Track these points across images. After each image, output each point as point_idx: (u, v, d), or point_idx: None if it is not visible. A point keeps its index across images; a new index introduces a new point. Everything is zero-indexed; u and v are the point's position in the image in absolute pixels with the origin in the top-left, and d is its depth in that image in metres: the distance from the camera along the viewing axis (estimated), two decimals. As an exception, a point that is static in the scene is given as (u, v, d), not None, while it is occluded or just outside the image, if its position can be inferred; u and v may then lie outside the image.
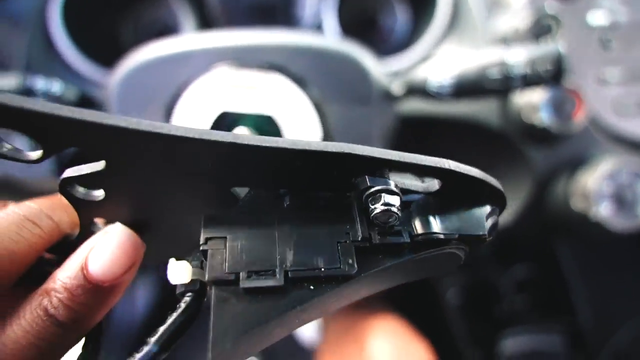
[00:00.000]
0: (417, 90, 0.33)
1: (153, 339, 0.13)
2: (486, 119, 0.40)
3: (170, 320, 0.14)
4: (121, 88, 0.33)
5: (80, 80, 0.41)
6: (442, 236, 0.14)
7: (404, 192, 0.15)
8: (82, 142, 0.13)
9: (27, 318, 0.14)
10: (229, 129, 0.32)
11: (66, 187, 0.15)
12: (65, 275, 0.15)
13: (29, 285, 0.16)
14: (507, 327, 0.61)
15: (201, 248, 0.14)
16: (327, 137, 0.33)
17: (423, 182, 0.15)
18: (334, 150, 0.13)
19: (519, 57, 0.28)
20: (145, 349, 0.13)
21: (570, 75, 0.40)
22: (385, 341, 0.45)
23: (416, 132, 0.43)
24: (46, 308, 0.14)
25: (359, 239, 0.14)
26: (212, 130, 0.13)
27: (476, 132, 0.41)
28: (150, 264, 0.17)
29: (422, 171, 0.14)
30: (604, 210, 0.37)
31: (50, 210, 0.17)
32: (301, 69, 0.33)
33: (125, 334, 0.69)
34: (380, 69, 0.36)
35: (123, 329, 0.69)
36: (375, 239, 0.14)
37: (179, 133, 0.12)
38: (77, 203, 0.15)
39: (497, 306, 0.64)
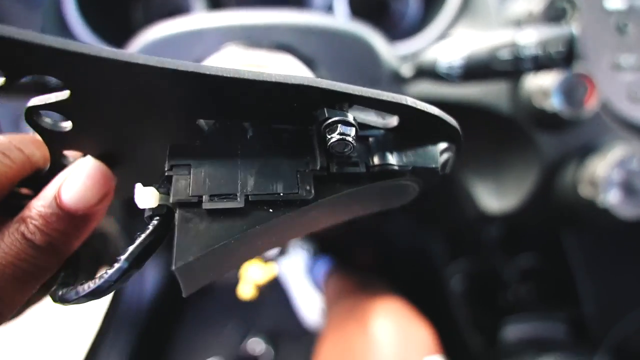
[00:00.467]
0: (427, 71, 0.32)
1: (123, 257, 0.14)
2: (496, 104, 0.40)
3: (138, 241, 0.14)
4: (133, 66, 0.34)
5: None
6: (396, 167, 0.15)
7: (364, 127, 0.15)
8: (44, 68, 0.13)
9: (6, 241, 0.15)
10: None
11: (32, 117, 0.15)
12: (40, 203, 0.16)
13: (4, 217, 0.17)
14: (510, 315, 0.61)
15: (166, 174, 0.14)
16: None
17: (384, 118, 0.15)
18: (294, 82, 0.13)
19: (530, 38, 0.28)
20: (117, 265, 0.14)
21: (583, 60, 0.39)
22: (388, 322, 0.46)
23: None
24: (23, 233, 0.15)
25: (318, 168, 0.14)
26: (175, 60, 0.13)
27: (485, 117, 0.41)
28: (124, 196, 0.18)
29: (381, 106, 0.15)
30: (611, 198, 0.37)
31: (20, 144, 0.17)
32: (311, 49, 0.33)
33: (135, 313, 0.71)
34: (391, 51, 0.36)
35: (132, 308, 0.71)
36: (333, 168, 0.15)
37: (140, 61, 0.12)
38: (45, 134, 0.16)
39: (501, 294, 0.64)
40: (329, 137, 0.14)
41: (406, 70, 0.34)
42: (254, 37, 0.33)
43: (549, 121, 0.38)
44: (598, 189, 0.37)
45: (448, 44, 0.32)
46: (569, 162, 0.41)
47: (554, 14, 0.37)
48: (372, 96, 0.14)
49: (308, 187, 0.14)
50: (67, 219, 0.16)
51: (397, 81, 0.34)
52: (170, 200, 0.14)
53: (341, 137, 0.14)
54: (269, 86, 0.13)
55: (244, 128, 0.15)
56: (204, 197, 0.14)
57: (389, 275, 0.69)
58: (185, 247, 0.13)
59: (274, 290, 0.78)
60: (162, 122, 0.15)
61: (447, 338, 0.49)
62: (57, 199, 0.16)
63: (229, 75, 0.13)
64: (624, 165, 0.37)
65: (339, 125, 0.14)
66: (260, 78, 0.13)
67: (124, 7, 0.48)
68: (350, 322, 0.49)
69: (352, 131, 0.14)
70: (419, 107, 0.15)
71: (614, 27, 0.40)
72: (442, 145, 0.16)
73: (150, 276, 0.75)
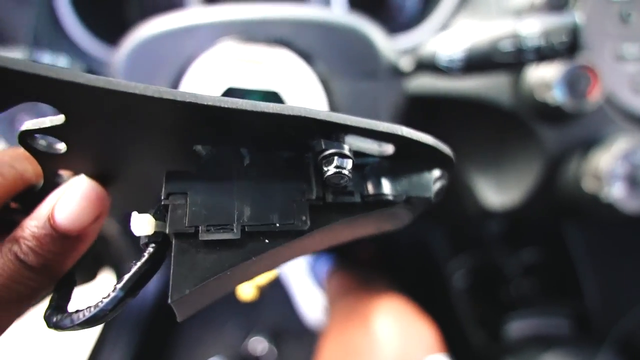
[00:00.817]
0: (427, 65, 0.32)
1: (119, 286, 0.14)
2: (497, 97, 0.39)
3: (134, 269, 0.14)
4: (126, 64, 0.33)
5: (86, 57, 0.40)
6: (391, 197, 0.15)
7: (359, 154, 0.15)
8: (39, 96, 0.13)
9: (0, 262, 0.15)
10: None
11: (26, 140, 0.15)
12: (33, 224, 0.15)
13: None
14: (513, 310, 0.61)
15: (162, 203, 0.14)
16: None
17: (379, 146, 0.15)
18: (291, 113, 0.13)
19: (532, 28, 0.27)
20: (112, 294, 0.14)
21: (585, 50, 0.38)
22: (391, 321, 0.46)
23: (425, 111, 0.42)
24: (16, 254, 0.15)
25: (313, 197, 0.14)
26: (173, 90, 0.13)
27: (487, 111, 0.40)
28: (118, 216, 0.18)
29: (377, 136, 0.15)
30: (616, 191, 0.36)
31: (12, 160, 0.17)
32: (308, 43, 0.32)
33: (137, 313, 0.71)
34: (389, 44, 0.35)
35: (135, 308, 0.71)
36: (328, 198, 0.15)
37: (137, 91, 0.12)
38: (39, 155, 0.16)
39: (503, 289, 0.63)
40: (325, 169, 0.14)
41: (405, 64, 0.33)
42: (249, 32, 0.32)
43: (552, 114, 0.38)
44: (602, 183, 0.36)
45: (448, 36, 0.31)
46: (572, 155, 0.40)
47: (556, 3, 0.37)
48: (369, 127, 0.14)
49: (304, 218, 0.14)
50: (60, 240, 0.15)
51: (396, 75, 0.34)
52: (167, 231, 0.14)
53: (337, 170, 0.14)
54: (267, 116, 0.13)
55: (241, 154, 0.15)
56: (200, 227, 0.14)
57: (391, 271, 0.68)
58: (181, 280, 0.13)
59: (276, 289, 0.78)
60: (158, 147, 0.15)
61: (449, 334, 0.49)
62: (50, 219, 0.15)
63: (226, 106, 0.13)
64: (628, 158, 0.37)
65: (336, 157, 0.14)
66: (258, 109, 0.13)
67: (118, 3, 0.47)
68: (352, 320, 0.49)
69: (348, 164, 0.14)
70: (414, 137, 0.15)
71: (617, 16, 0.39)
72: (436, 173, 0.16)
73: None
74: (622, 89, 0.39)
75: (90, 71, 0.35)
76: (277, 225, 0.14)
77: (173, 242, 0.14)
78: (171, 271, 0.13)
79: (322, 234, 0.15)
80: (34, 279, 0.15)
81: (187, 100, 0.13)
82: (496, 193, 0.45)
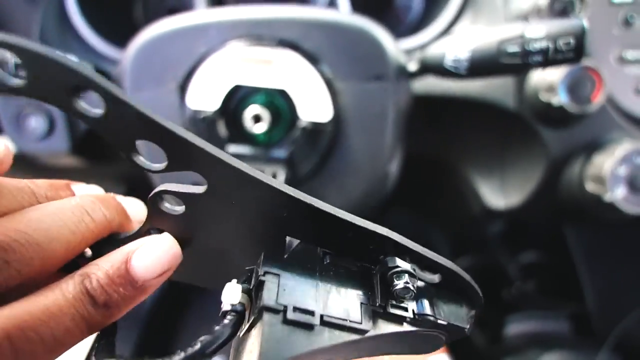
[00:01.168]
0: (433, 66, 0.32)
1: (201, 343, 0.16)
2: (501, 99, 0.39)
3: (216, 333, 0.16)
4: (134, 62, 0.33)
5: (95, 56, 0.41)
6: (435, 320, 0.18)
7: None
8: (204, 170, 0.15)
9: (71, 291, 0.15)
10: (241, 101, 0.32)
11: (156, 198, 0.17)
12: (108, 265, 0.16)
13: (61, 271, 0.17)
14: (514, 311, 0.61)
15: (260, 279, 0.16)
16: (337, 114, 0.33)
17: (424, 272, 0.19)
18: (382, 232, 0.17)
19: (539, 31, 0.27)
20: (191, 350, 0.16)
21: (589, 53, 0.39)
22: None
23: (429, 111, 0.42)
24: (87, 288, 0.16)
25: (377, 305, 0.17)
26: (307, 195, 0.16)
27: (491, 112, 0.40)
28: (179, 279, 0.19)
29: (432, 264, 0.18)
30: (619, 194, 0.37)
31: (105, 208, 0.18)
32: (315, 44, 0.32)
33: (137, 309, 0.71)
34: (397, 46, 0.35)
35: (134, 310, 0.71)
36: (388, 307, 0.17)
37: (287, 191, 0.16)
38: (157, 215, 0.17)
39: (504, 290, 0.64)
40: (396, 282, 0.17)
41: (412, 65, 0.34)
42: (257, 32, 0.32)
43: (555, 116, 0.38)
44: (605, 185, 0.37)
45: (454, 38, 0.31)
46: (575, 157, 0.40)
47: (560, 8, 0.37)
48: (433, 258, 0.18)
49: (369, 320, 0.17)
50: (128, 285, 0.16)
51: (403, 76, 0.34)
52: (262, 304, 0.15)
53: (406, 285, 0.17)
54: (364, 230, 0.17)
55: (321, 254, 0.18)
56: (288, 307, 0.16)
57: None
58: (268, 351, 0.15)
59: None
60: (255, 229, 0.18)
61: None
62: (127, 263, 0.16)
63: (336, 215, 0.16)
64: (631, 161, 0.37)
65: (406, 274, 0.17)
66: (366, 226, 0.17)
67: (124, 4, 0.48)
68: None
69: (415, 282, 0.17)
70: (459, 272, 0.18)
71: (621, 21, 0.39)
72: (469, 311, 0.19)
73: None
74: (626, 92, 0.39)
75: (101, 71, 0.35)
76: (348, 321, 0.16)
77: (264, 315, 0.15)
78: (260, 342, 0.15)
79: (376, 341, 0.17)
80: (96, 315, 0.16)
81: (316, 206, 0.16)
82: (500, 193, 0.45)
